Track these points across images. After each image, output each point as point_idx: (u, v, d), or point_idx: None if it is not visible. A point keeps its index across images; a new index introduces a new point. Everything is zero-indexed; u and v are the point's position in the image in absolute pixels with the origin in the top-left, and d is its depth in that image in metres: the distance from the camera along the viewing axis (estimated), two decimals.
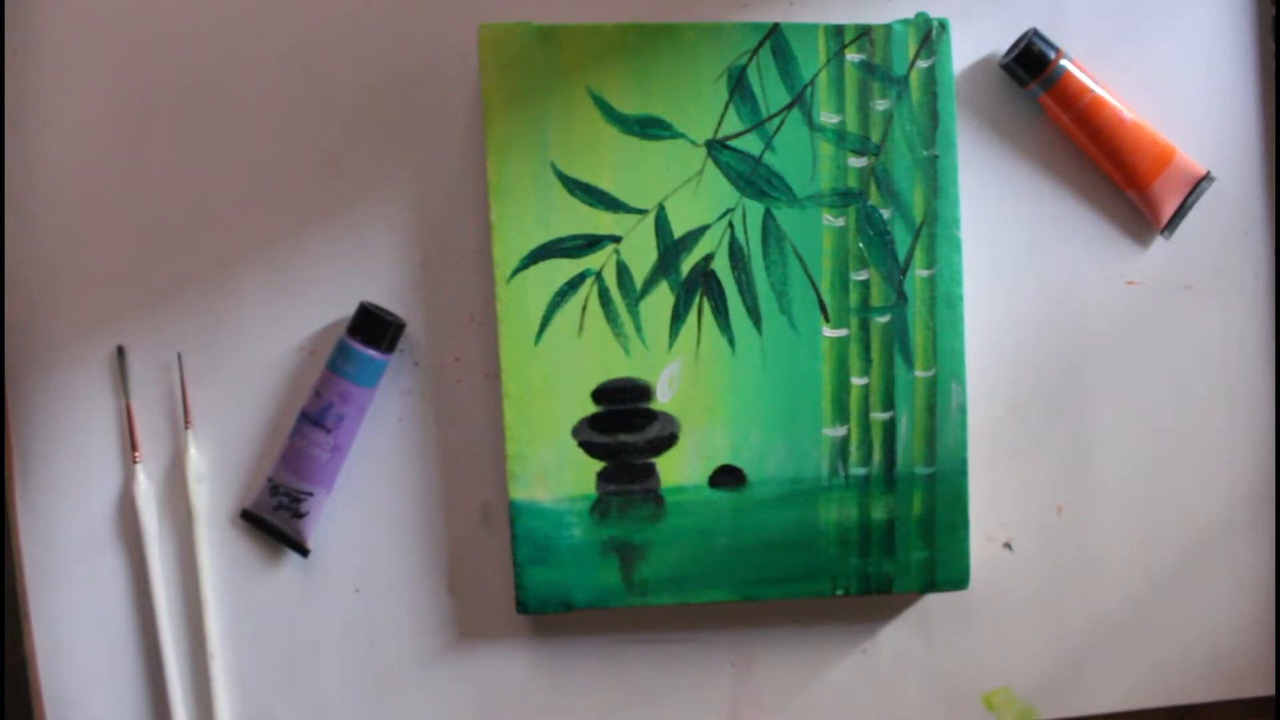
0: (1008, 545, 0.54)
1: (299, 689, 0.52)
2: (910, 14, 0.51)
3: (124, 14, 0.51)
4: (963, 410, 0.51)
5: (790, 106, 0.51)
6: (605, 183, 0.50)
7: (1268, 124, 0.55)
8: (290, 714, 0.53)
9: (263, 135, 0.52)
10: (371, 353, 0.50)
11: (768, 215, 0.51)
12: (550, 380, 0.50)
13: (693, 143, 0.51)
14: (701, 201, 0.51)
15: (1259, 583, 0.56)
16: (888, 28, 0.51)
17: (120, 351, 0.51)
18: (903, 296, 0.51)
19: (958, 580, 0.52)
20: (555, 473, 0.50)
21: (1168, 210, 0.54)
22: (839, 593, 0.52)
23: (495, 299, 0.50)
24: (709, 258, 0.51)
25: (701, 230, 0.51)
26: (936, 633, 0.51)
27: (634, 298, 0.51)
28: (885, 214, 0.51)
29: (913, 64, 0.51)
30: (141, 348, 0.52)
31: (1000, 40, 0.53)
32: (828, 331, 0.51)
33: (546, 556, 0.50)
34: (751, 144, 0.51)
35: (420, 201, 0.52)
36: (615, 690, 0.54)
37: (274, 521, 0.51)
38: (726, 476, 0.51)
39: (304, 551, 0.52)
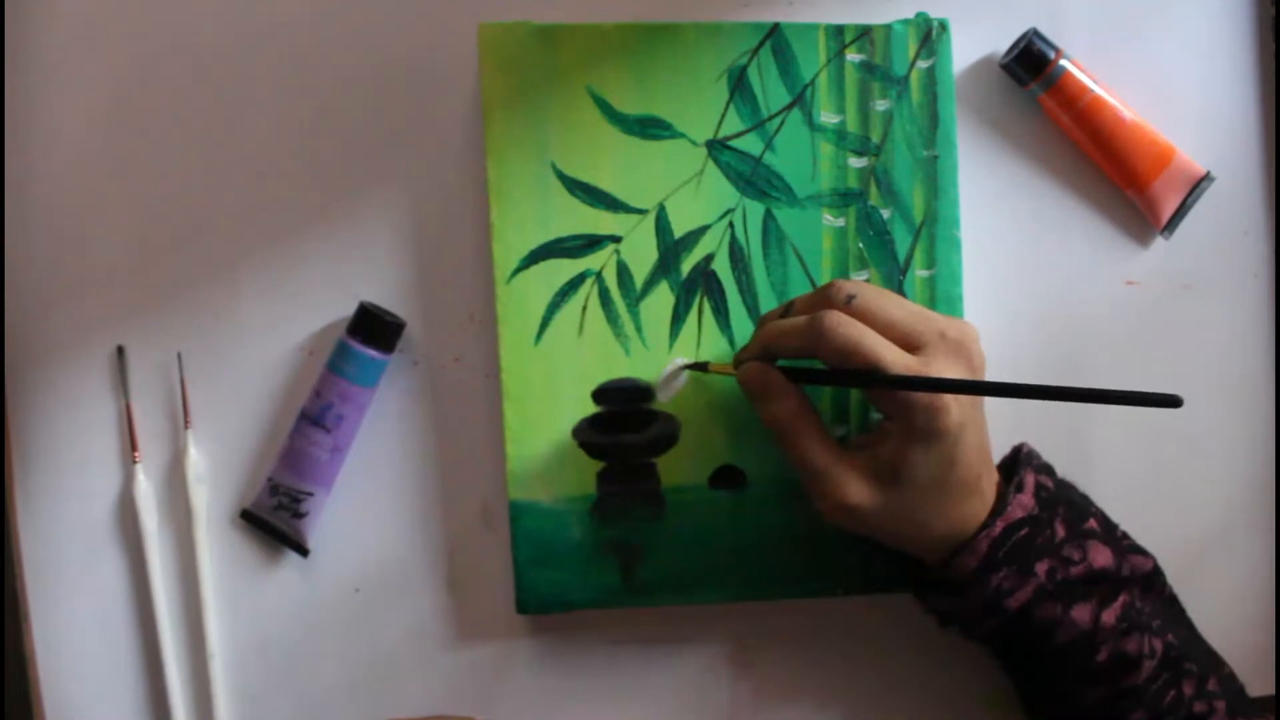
0: None
1: (299, 689, 0.52)
2: (910, 14, 0.51)
3: (123, 14, 0.51)
4: None
5: (790, 106, 0.51)
6: (605, 183, 0.50)
7: (1268, 124, 0.55)
8: (290, 714, 0.52)
9: (262, 135, 0.52)
10: (371, 353, 0.50)
11: (768, 215, 0.51)
12: (550, 380, 0.50)
13: (693, 143, 0.51)
14: (702, 201, 0.51)
15: (1259, 583, 0.56)
16: (888, 28, 0.51)
17: (120, 351, 0.51)
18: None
19: None
20: (555, 473, 0.50)
21: (1168, 210, 0.54)
22: (839, 593, 0.52)
23: (495, 299, 0.50)
24: (709, 258, 0.51)
25: (702, 230, 0.51)
26: (937, 633, 0.51)
27: (634, 298, 0.51)
28: (885, 214, 0.51)
29: (913, 64, 0.51)
30: (141, 348, 0.52)
31: (1000, 40, 0.53)
32: None
33: (546, 556, 0.50)
34: (752, 144, 0.51)
35: (420, 201, 0.52)
36: (615, 690, 0.54)
37: (274, 521, 0.51)
38: (727, 476, 0.51)
39: (304, 551, 0.52)
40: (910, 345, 0.44)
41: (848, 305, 0.44)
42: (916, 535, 0.45)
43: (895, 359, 0.43)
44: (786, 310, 0.47)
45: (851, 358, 0.43)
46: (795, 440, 0.45)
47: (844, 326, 0.43)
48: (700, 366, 0.49)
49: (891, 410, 0.44)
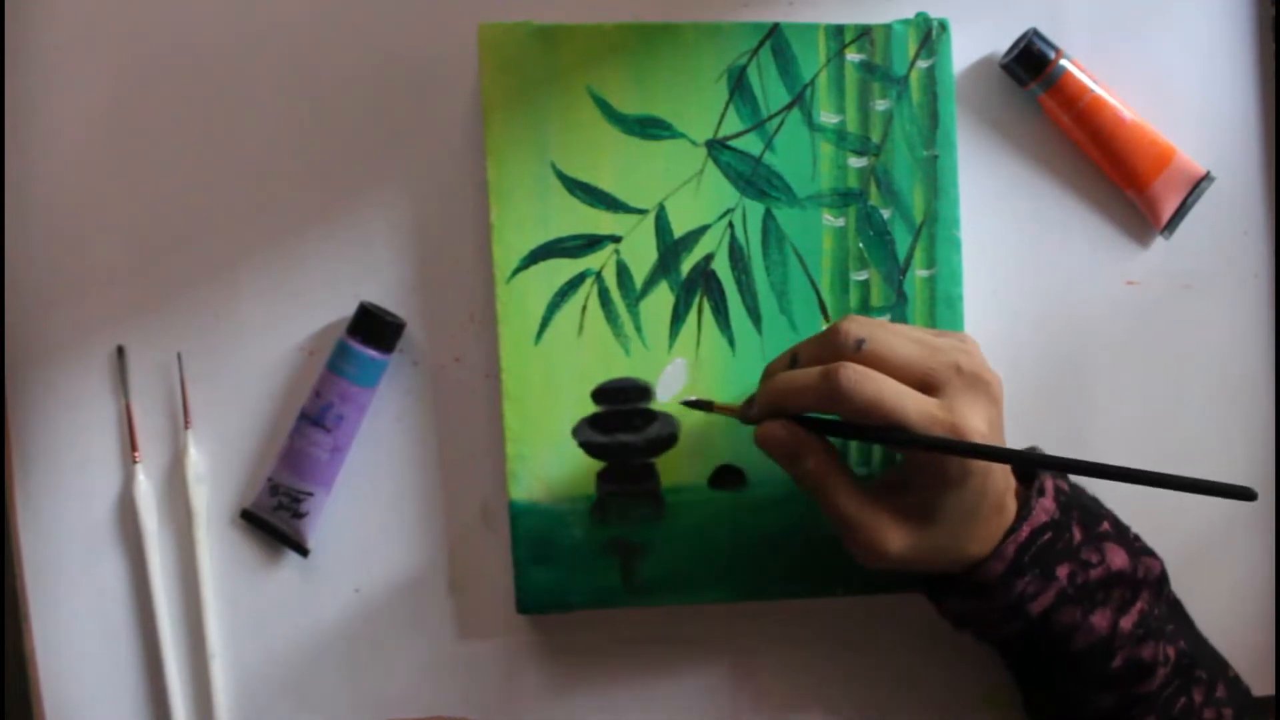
0: None
1: (299, 689, 0.52)
2: (910, 14, 0.51)
3: (123, 14, 0.51)
4: None
5: (790, 106, 0.51)
6: (605, 183, 0.50)
7: (1268, 124, 0.55)
8: (290, 714, 0.52)
9: (262, 136, 0.52)
10: (371, 353, 0.50)
11: (768, 215, 0.51)
12: (550, 380, 0.50)
13: (693, 143, 0.51)
14: (701, 201, 0.51)
15: (1259, 583, 0.56)
16: (888, 28, 0.51)
17: (120, 351, 0.51)
18: (903, 297, 0.52)
19: None
20: (555, 473, 0.50)
21: (1168, 210, 0.54)
22: (839, 593, 0.52)
23: (495, 299, 0.50)
24: (709, 258, 0.51)
25: (702, 230, 0.51)
26: (937, 632, 0.51)
27: (634, 298, 0.51)
28: (885, 214, 0.51)
29: (913, 64, 0.51)
30: (141, 348, 0.52)
31: (1000, 40, 0.53)
32: None
33: (546, 556, 0.50)
34: (752, 144, 0.51)
35: (420, 202, 0.52)
36: (615, 690, 0.54)
37: (274, 521, 0.51)
38: (727, 476, 0.51)
39: (304, 551, 0.52)
40: (927, 385, 0.43)
41: (858, 352, 0.43)
42: (948, 560, 0.45)
43: (918, 409, 0.42)
44: (792, 360, 0.45)
45: (873, 415, 0.42)
46: (828, 494, 0.44)
47: (862, 383, 0.41)
48: (704, 405, 0.48)
49: (923, 458, 0.43)
